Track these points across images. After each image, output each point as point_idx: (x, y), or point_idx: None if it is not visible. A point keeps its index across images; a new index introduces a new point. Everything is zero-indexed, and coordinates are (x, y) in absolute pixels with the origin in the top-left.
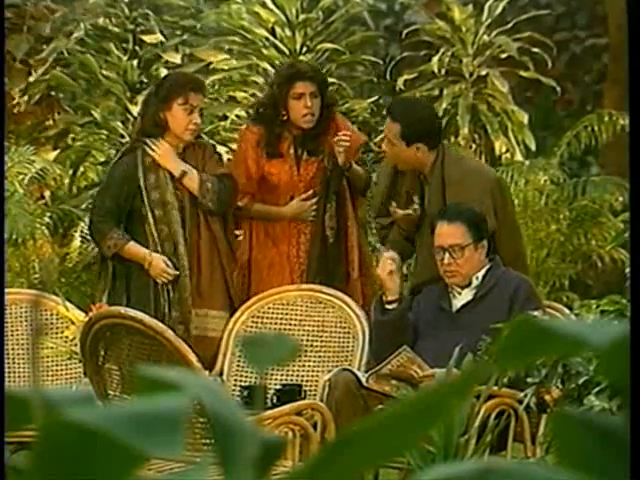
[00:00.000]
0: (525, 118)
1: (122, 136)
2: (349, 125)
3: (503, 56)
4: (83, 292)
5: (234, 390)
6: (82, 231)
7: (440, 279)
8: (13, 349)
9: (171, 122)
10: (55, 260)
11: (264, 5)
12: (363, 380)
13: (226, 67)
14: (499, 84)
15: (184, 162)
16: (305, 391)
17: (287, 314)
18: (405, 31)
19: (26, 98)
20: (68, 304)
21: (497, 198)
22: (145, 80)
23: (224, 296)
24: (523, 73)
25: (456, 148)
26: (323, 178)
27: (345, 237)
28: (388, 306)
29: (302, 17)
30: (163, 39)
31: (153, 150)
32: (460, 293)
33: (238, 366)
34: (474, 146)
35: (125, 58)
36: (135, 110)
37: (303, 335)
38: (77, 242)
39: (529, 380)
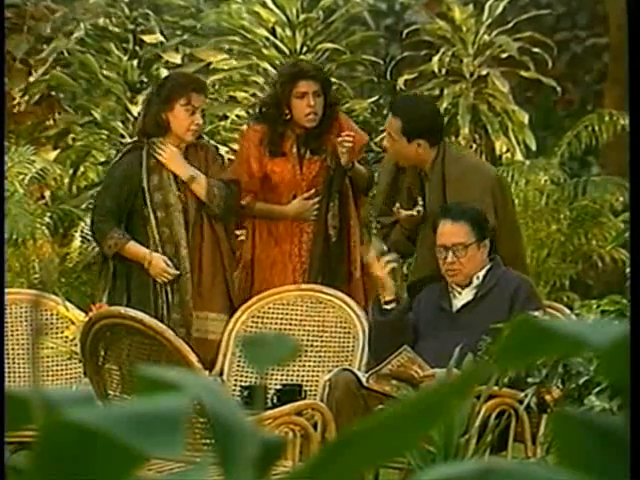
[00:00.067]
0: (525, 118)
1: (122, 136)
2: (352, 124)
3: (504, 56)
4: (83, 292)
5: (234, 390)
6: (82, 231)
7: (439, 277)
8: (13, 349)
9: (173, 123)
10: (55, 260)
11: (264, 5)
12: (363, 380)
13: (226, 67)
14: (499, 84)
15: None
16: (305, 391)
17: (287, 314)
18: (405, 31)
19: (26, 98)
20: (68, 304)
21: (497, 196)
22: (145, 80)
23: (225, 298)
24: (524, 73)
25: (457, 147)
26: (326, 177)
27: (348, 236)
28: (386, 306)
29: (302, 17)
30: (163, 39)
31: (160, 154)
32: (460, 293)
33: (238, 366)
34: (474, 146)
35: (125, 58)
36: (135, 110)
37: (303, 335)
38: (77, 242)
39: (530, 380)
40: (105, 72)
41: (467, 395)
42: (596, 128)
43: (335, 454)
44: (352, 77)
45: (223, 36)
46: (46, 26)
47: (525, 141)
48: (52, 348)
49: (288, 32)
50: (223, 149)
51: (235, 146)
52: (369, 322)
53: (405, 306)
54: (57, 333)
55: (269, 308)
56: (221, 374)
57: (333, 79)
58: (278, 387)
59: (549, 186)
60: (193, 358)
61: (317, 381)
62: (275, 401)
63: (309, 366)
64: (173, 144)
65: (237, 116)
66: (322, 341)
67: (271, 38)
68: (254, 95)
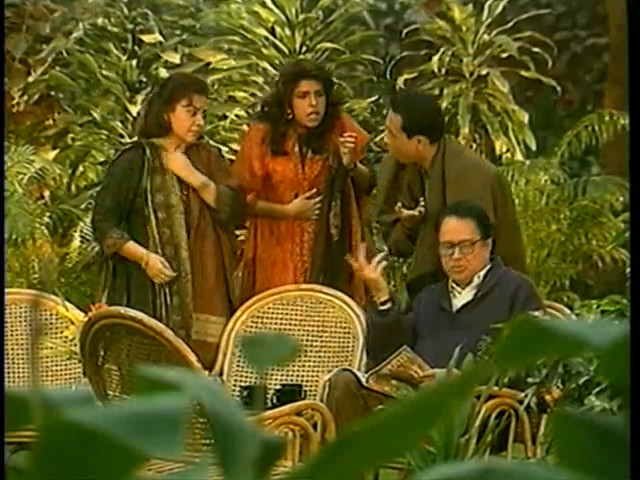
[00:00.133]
0: (525, 118)
1: (121, 136)
2: (354, 124)
3: (503, 56)
4: (83, 292)
5: (234, 390)
6: (82, 231)
7: (438, 274)
8: (13, 349)
9: (174, 123)
10: (55, 260)
11: (264, 4)
12: (363, 380)
13: (225, 67)
14: (499, 84)
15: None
16: (305, 391)
17: (287, 314)
18: (405, 30)
19: (25, 98)
20: (68, 304)
21: (497, 194)
22: (144, 80)
23: (225, 301)
24: (523, 73)
25: (457, 144)
26: (328, 177)
27: (349, 236)
28: (382, 307)
29: (302, 16)
30: (162, 39)
31: (168, 161)
32: (460, 293)
33: (238, 366)
34: (474, 146)
35: (124, 58)
36: (134, 110)
37: (303, 335)
38: (77, 242)
39: (530, 380)
40: (104, 72)
41: (467, 395)
42: (596, 128)
43: (335, 454)
44: (352, 77)
45: (222, 36)
46: (45, 26)
47: (525, 141)
48: (51, 348)
49: (287, 32)
50: (223, 149)
51: (234, 146)
52: (367, 324)
53: (403, 307)
54: (56, 333)
55: (269, 308)
56: (221, 374)
57: (333, 79)
58: (278, 387)
59: (549, 186)
60: (193, 358)
61: (317, 381)
62: (275, 401)
63: (309, 366)
64: (174, 144)
65: (236, 116)
66: (322, 341)
67: (270, 38)
68: (253, 95)
